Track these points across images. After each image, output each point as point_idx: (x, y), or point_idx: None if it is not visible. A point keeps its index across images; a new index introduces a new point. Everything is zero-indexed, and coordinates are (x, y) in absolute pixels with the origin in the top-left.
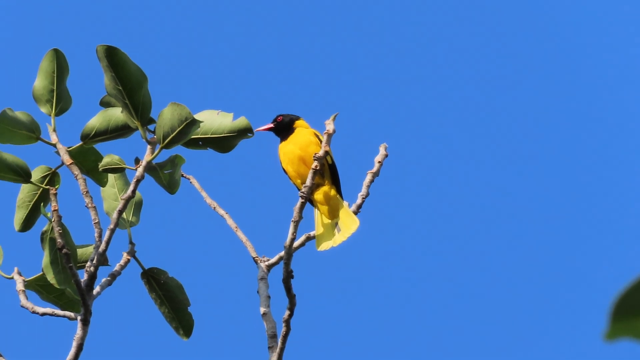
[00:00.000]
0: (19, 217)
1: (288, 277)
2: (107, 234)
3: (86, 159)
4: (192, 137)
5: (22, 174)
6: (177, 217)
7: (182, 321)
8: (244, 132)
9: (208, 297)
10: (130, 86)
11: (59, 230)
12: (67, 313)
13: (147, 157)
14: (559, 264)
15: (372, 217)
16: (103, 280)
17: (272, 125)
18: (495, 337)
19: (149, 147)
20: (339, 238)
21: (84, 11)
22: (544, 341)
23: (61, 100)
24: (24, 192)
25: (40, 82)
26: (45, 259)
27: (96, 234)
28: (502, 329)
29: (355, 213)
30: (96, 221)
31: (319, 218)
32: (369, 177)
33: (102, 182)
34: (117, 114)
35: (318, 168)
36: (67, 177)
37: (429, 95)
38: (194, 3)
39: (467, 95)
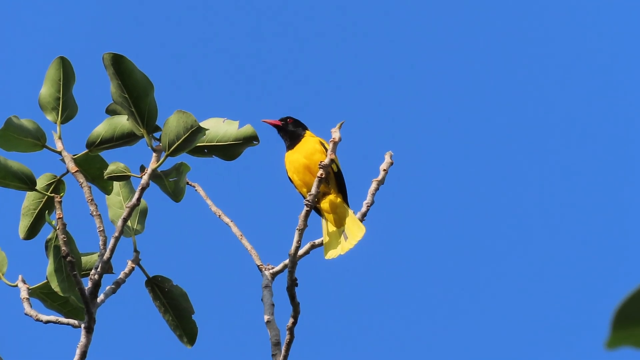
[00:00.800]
0: (23, 224)
1: (292, 285)
2: (111, 241)
3: (91, 167)
4: (198, 144)
5: (27, 182)
6: (182, 225)
7: (186, 329)
8: (250, 140)
9: (212, 304)
10: (136, 94)
11: (64, 238)
12: (71, 321)
13: (152, 164)
14: (563, 271)
15: (377, 225)
16: (107, 288)
17: (280, 123)
18: (499, 343)
19: (154, 154)
20: (346, 246)
21: (90, 19)
22: (548, 349)
23: (67, 108)
24: (29, 200)
25: (46, 90)
26: (50, 266)
27: (101, 242)
28: (506, 335)
29: (361, 221)
30: (101, 229)
31: (326, 227)
32: (374, 185)
33: (107, 190)
34: (122, 122)
35: (323, 176)
36: (72, 184)
37: (435, 103)
38: (201, 11)
39: (473, 103)
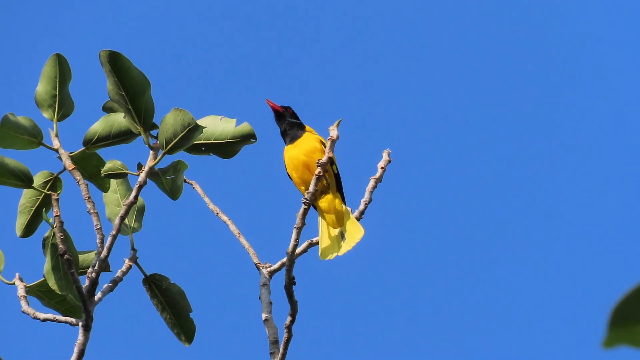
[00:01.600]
0: (20, 222)
1: (290, 283)
2: (109, 239)
3: (88, 165)
4: (195, 142)
5: (24, 179)
6: (179, 223)
7: (183, 327)
8: (247, 138)
9: (210, 303)
10: (133, 91)
11: (61, 236)
12: (69, 319)
13: (149, 162)
14: (559, 272)
15: (375, 223)
16: (105, 286)
17: (280, 109)
18: (495, 343)
19: (151, 152)
20: (344, 247)
21: (86, 16)
22: (545, 348)
23: (63, 105)
24: (26, 198)
25: (42, 87)
26: (47, 264)
27: (98, 240)
28: (503, 334)
29: (358, 219)
30: (98, 227)
31: (324, 227)
32: (371, 183)
33: (105, 188)
34: (119, 119)
35: (321, 174)
36: (69, 182)
37: (432, 100)
38: (197, 8)
39: (470, 100)
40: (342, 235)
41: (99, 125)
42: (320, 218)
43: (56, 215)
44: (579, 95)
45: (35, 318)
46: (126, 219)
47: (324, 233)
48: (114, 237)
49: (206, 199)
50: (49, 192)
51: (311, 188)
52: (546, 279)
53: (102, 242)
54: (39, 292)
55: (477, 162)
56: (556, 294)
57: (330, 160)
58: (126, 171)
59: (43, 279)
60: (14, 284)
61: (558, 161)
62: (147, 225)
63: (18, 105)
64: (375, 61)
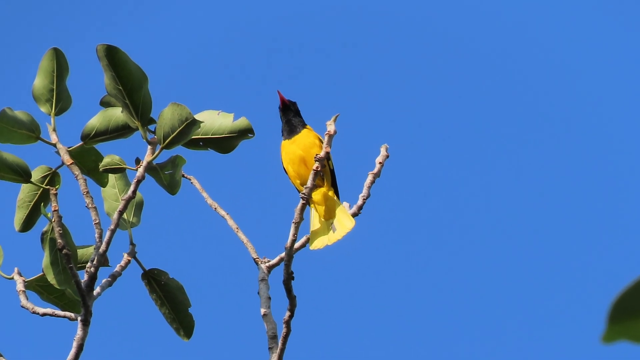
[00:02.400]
0: (19, 217)
1: (289, 278)
2: (107, 234)
3: (86, 159)
4: (193, 137)
5: (22, 174)
6: (178, 218)
7: (182, 322)
8: (245, 133)
9: (209, 298)
10: (130, 86)
11: (60, 230)
12: (68, 314)
13: (147, 157)
14: (558, 266)
15: (373, 218)
16: (103, 281)
17: (287, 102)
18: (494, 338)
19: (149, 147)
20: (333, 237)
21: (84, 10)
22: (543, 343)
23: (61, 100)
24: (24, 192)
25: (40, 82)
26: (46, 259)
27: (97, 235)
28: (501, 329)
29: (356, 214)
30: (97, 222)
31: (316, 218)
32: (369, 178)
33: (103, 183)
34: (117, 114)
35: (319, 169)
36: (68, 177)
37: (430, 95)
38: (193, 2)
39: (468, 96)
40: (332, 226)
41: (97, 120)
42: (311, 209)
43: (54, 210)
44: (579, 95)
45: (34, 313)
46: (125, 214)
47: (315, 224)
48: (113, 231)
49: (204, 194)
50: (48, 187)
51: (309, 183)
52: (545, 273)
53: (101, 236)
54: (38, 287)
55: (475, 157)
56: (556, 289)
57: (327, 156)
58: (124, 166)
59: (42, 273)
60: (12, 278)
61: (556, 154)
62: (146, 220)
63: (15, 99)
64: (372, 56)
